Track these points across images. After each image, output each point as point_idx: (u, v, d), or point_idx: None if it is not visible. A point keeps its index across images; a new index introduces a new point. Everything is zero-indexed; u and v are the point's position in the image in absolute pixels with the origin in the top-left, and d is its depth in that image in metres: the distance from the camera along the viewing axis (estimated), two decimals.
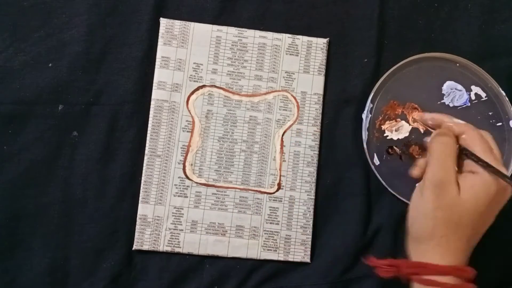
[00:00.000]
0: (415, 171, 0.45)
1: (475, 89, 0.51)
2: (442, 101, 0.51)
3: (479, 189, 0.38)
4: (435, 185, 0.38)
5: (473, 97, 0.51)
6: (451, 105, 0.51)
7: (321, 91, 0.50)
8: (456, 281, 0.37)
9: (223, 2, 0.50)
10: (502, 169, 0.39)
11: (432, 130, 0.46)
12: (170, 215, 0.48)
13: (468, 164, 0.40)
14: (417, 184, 0.43)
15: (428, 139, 0.44)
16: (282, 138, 0.50)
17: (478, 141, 0.40)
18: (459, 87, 0.51)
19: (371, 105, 0.50)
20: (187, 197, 0.48)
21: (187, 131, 0.49)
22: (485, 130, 0.42)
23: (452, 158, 0.39)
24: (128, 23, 0.49)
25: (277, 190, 0.49)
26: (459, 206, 0.38)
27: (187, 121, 0.49)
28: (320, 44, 0.51)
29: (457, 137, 0.41)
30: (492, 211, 0.40)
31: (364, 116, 0.49)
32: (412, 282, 0.39)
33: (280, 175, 0.49)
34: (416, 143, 0.50)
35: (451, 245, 0.38)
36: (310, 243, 0.49)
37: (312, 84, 0.50)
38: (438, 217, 0.38)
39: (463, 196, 0.38)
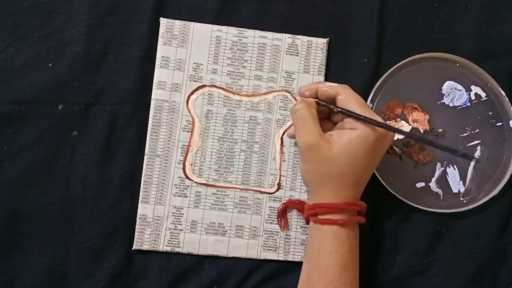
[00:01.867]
0: (290, 131, 0.47)
1: (475, 89, 0.51)
2: (442, 101, 0.51)
3: (356, 141, 0.41)
4: (305, 149, 0.42)
5: (473, 97, 0.51)
6: (451, 105, 0.51)
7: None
8: (348, 216, 0.42)
9: (223, 2, 0.50)
10: (378, 118, 0.42)
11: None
12: (170, 215, 0.48)
13: (348, 122, 0.43)
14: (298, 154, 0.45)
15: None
16: (282, 138, 0.50)
17: (353, 99, 0.43)
18: (459, 87, 0.51)
19: (371, 105, 0.50)
20: (187, 197, 0.48)
21: (187, 131, 0.49)
22: (344, 84, 0.45)
23: (312, 122, 0.42)
24: (128, 23, 0.49)
25: (277, 190, 0.49)
26: (335, 159, 0.41)
27: (187, 121, 0.49)
28: (320, 44, 0.51)
29: (334, 99, 0.44)
30: (376, 156, 0.43)
31: None
32: (312, 224, 0.43)
33: (280, 175, 0.49)
34: (416, 143, 0.50)
35: (339, 193, 0.42)
36: None
37: None
38: (319, 173, 0.42)
39: (337, 151, 0.41)
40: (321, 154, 0.41)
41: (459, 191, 0.50)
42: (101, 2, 0.49)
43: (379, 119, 0.42)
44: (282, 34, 0.50)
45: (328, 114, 0.46)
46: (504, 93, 0.50)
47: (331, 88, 0.44)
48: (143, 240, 0.48)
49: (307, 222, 0.45)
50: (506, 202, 0.51)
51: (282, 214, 0.48)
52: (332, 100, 0.44)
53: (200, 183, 0.49)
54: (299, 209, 0.48)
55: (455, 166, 0.50)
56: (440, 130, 0.51)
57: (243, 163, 0.49)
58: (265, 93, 0.50)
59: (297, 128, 0.43)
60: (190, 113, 0.49)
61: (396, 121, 0.50)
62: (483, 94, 0.51)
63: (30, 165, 0.47)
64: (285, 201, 0.49)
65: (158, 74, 0.49)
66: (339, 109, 0.43)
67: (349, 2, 0.52)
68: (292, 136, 0.47)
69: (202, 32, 0.50)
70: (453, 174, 0.50)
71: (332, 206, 0.42)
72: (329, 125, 0.46)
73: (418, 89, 0.51)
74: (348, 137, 0.42)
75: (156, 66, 0.49)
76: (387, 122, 0.50)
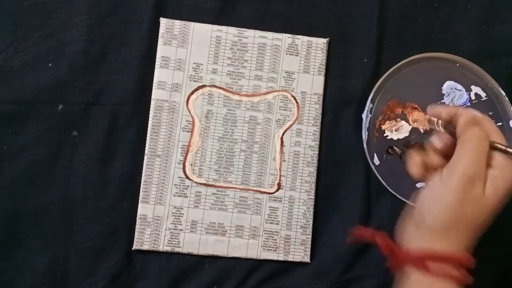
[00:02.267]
0: (416, 170, 0.40)
1: (475, 89, 0.51)
2: (442, 101, 0.51)
3: (499, 182, 0.36)
4: (466, 179, 0.35)
5: (473, 97, 0.51)
6: (451, 105, 0.51)
7: (321, 91, 0.50)
8: (464, 274, 0.35)
9: (223, 2, 0.50)
10: None
11: (437, 128, 0.41)
12: (170, 215, 0.48)
13: (499, 160, 0.37)
14: (439, 173, 0.37)
15: (433, 139, 0.40)
16: (282, 138, 0.50)
17: (495, 132, 0.37)
18: (459, 87, 0.51)
19: (371, 105, 0.50)
20: (187, 197, 0.48)
21: (187, 131, 0.49)
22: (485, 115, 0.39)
23: (485, 153, 0.36)
24: (128, 23, 0.49)
25: (277, 190, 0.49)
26: (481, 204, 0.35)
27: (187, 121, 0.49)
28: (320, 44, 0.51)
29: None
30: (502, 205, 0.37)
31: (364, 116, 0.49)
32: (414, 273, 0.35)
33: (280, 175, 0.49)
34: (416, 143, 0.50)
35: (460, 243, 0.36)
36: (310, 243, 0.49)
37: (312, 84, 0.50)
38: (460, 213, 0.35)
39: (488, 196, 0.35)
40: (475, 193, 0.35)
41: None
42: (101, 2, 0.49)
43: None
44: (282, 34, 0.50)
45: (449, 149, 0.39)
46: (504, 93, 0.50)
47: (474, 118, 0.37)
48: (143, 240, 0.48)
49: (396, 271, 0.37)
50: (507, 202, 0.51)
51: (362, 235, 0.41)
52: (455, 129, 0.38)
53: (200, 183, 0.49)
54: (387, 251, 0.38)
55: None
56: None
57: (243, 163, 0.49)
58: (265, 93, 0.50)
59: (464, 150, 0.36)
60: (190, 113, 0.49)
61: (396, 121, 0.50)
62: (483, 94, 0.51)
63: (30, 165, 0.47)
64: (371, 231, 0.40)
65: (158, 74, 0.49)
66: (497, 145, 0.36)
67: (349, 2, 0.52)
68: (419, 175, 0.39)
69: (202, 32, 0.50)
70: None
71: (455, 258, 0.35)
72: (439, 161, 0.39)
73: (418, 89, 0.51)
74: (498, 183, 0.35)
75: (156, 66, 0.49)
76: (387, 123, 0.50)
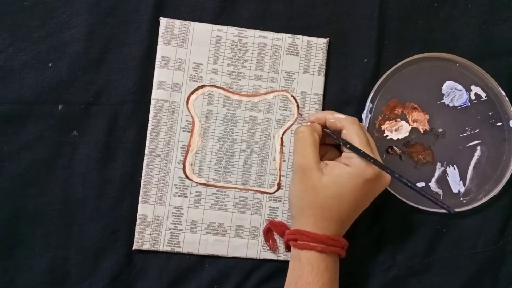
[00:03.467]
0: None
1: (475, 89, 0.51)
2: (442, 101, 0.51)
3: (344, 178, 0.42)
4: (297, 170, 0.43)
5: (473, 97, 0.51)
6: (451, 105, 0.51)
7: (321, 91, 0.50)
8: (327, 246, 0.41)
9: (223, 1, 0.50)
10: (378, 158, 0.42)
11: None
12: (170, 215, 0.48)
13: (345, 156, 0.43)
14: (292, 173, 0.45)
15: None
16: (282, 138, 0.50)
17: (356, 135, 0.43)
18: (459, 87, 0.51)
19: (371, 105, 0.50)
20: (187, 197, 0.48)
21: (187, 131, 0.49)
22: (353, 117, 0.45)
23: (311, 148, 0.43)
24: (128, 23, 0.49)
25: (277, 190, 0.49)
26: (322, 190, 0.42)
27: (187, 121, 0.49)
28: (320, 44, 0.51)
29: (340, 132, 0.44)
30: (363, 199, 0.43)
31: (364, 116, 0.49)
32: (292, 248, 0.43)
33: (280, 175, 0.49)
34: (416, 143, 0.50)
35: (319, 224, 0.42)
36: None
37: (312, 84, 0.50)
38: (305, 199, 0.42)
39: (326, 182, 0.42)
40: (311, 180, 0.42)
41: (459, 191, 0.50)
42: (101, 2, 0.49)
43: (378, 159, 0.42)
44: (282, 34, 0.50)
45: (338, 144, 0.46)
46: (504, 93, 0.50)
47: (338, 120, 0.45)
48: (143, 240, 0.48)
49: (287, 248, 0.45)
50: (506, 202, 0.51)
51: (269, 235, 0.48)
52: (339, 132, 0.45)
53: (200, 183, 0.49)
54: (280, 233, 0.47)
55: (455, 166, 0.50)
56: (440, 130, 0.51)
57: (243, 163, 0.49)
58: (265, 93, 0.50)
59: (295, 149, 0.44)
60: (190, 113, 0.49)
61: (396, 121, 0.50)
62: (483, 94, 0.51)
63: (30, 165, 0.47)
64: (266, 222, 0.48)
65: (158, 74, 0.49)
66: (339, 140, 0.44)
67: (349, 2, 0.52)
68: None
69: (202, 32, 0.50)
70: (453, 174, 0.50)
71: (312, 235, 0.41)
72: (336, 154, 0.46)
73: (418, 89, 0.51)
74: (339, 171, 0.42)
75: (156, 66, 0.49)
76: (387, 123, 0.50)
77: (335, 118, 0.45)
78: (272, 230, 0.48)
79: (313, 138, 0.44)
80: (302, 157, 0.43)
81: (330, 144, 0.47)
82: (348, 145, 0.43)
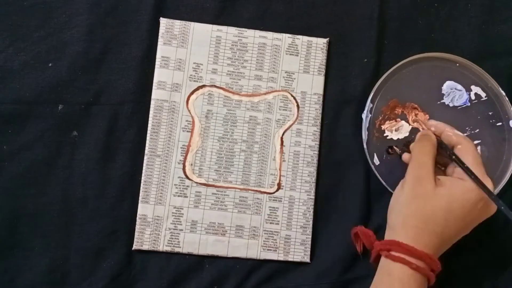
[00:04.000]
0: (406, 157, 0.47)
1: (475, 89, 0.51)
2: (442, 101, 0.51)
3: (458, 190, 0.40)
4: (413, 179, 0.42)
5: (473, 97, 0.51)
6: (451, 105, 0.51)
7: (321, 91, 0.50)
8: (424, 266, 0.39)
9: (223, 2, 0.50)
10: (487, 183, 0.40)
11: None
12: (170, 215, 0.48)
13: (458, 172, 0.42)
14: (401, 181, 0.44)
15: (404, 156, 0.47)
16: (282, 138, 0.50)
17: (471, 153, 0.42)
18: (459, 87, 0.51)
19: (371, 105, 0.50)
20: (187, 197, 0.48)
21: (187, 131, 0.49)
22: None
23: (430, 157, 0.42)
24: (128, 23, 0.49)
25: (277, 190, 0.49)
26: (433, 199, 0.40)
27: (187, 121, 0.49)
28: (320, 44, 0.51)
29: (453, 147, 0.44)
30: (469, 220, 0.41)
31: (364, 116, 0.49)
32: (382, 259, 0.41)
33: (280, 175, 0.49)
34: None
35: (420, 239, 0.39)
36: (310, 243, 0.49)
37: (312, 84, 0.50)
38: (412, 208, 0.40)
39: (439, 191, 0.40)
40: (423, 188, 0.40)
41: None
42: (101, 2, 0.49)
43: (488, 184, 0.41)
44: (282, 34, 0.50)
45: (443, 163, 0.45)
46: (504, 93, 0.50)
47: (456, 135, 0.44)
48: (143, 240, 0.48)
49: (375, 260, 0.42)
50: (506, 202, 0.51)
51: (356, 238, 0.47)
52: (451, 148, 0.44)
53: (200, 183, 0.49)
54: (367, 242, 0.45)
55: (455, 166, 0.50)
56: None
57: (243, 163, 0.49)
58: (265, 93, 0.50)
59: (415, 156, 0.43)
60: (190, 113, 0.49)
61: (396, 121, 0.50)
62: (483, 94, 0.51)
63: (30, 165, 0.47)
64: (355, 227, 0.47)
65: (158, 74, 0.49)
66: (454, 157, 0.43)
67: (349, 2, 0.52)
68: (406, 160, 0.45)
69: (202, 32, 0.50)
70: None
71: (410, 249, 0.39)
72: (438, 172, 0.44)
73: (418, 89, 0.51)
74: (451, 182, 0.41)
75: (156, 66, 0.49)
76: (387, 123, 0.50)
77: (453, 133, 0.44)
78: (359, 236, 0.46)
79: (434, 149, 0.43)
80: (421, 165, 0.42)
81: (437, 162, 0.45)
82: (460, 163, 0.41)
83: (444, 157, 0.44)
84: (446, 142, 0.44)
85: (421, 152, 0.43)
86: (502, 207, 0.39)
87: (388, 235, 0.42)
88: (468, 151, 0.43)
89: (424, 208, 0.40)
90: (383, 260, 0.41)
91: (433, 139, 0.44)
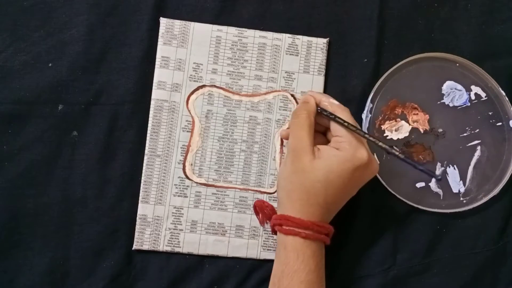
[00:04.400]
0: (284, 132, 0.48)
1: (475, 89, 0.51)
2: (442, 101, 0.51)
3: (334, 162, 0.41)
4: (290, 152, 0.43)
5: (473, 97, 0.51)
6: (451, 105, 0.51)
7: (321, 91, 0.50)
8: (313, 233, 0.41)
9: (223, 1, 0.50)
10: (363, 147, 0.42)
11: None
12: (170, 215, 0.48)
13: (335, 141, 0.43)
14: (284, 157, 0.45)
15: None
16: (282, 138, 0.50)
17: (347, 117, 0.43)
18: (459, 87, 0.51)
19: (371, 105, 0.50)
20: (187, 197, 0.48)
21: (187, 131, 0.49)
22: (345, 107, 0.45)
23: (305, 130, 0.43)
24: (128, 23, 0.49)
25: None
26: (311, 173, 0.41)
27: (187, 121, 0.49)
28: (320, 44, 0.51)
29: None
30: (350, 187, 0.43)
31: (364, 116, 0.50)
32: (278, 233, 0.43)
33: None
34: (416, 143, 0.50)
35: (305, 210, 0.41)
36: None
37: (312, 84, 0.50)
38: (293, 181, 0.42)
39: (316, 165, 0.41)
40: (302, 162, 0.42)
41: (459, 191, 0.50)
42: (101, 2, 0.49)
43: (364, 147, 0.42)
44: (282, 34, 0.50)
45: (324, 130, 0.47)
46: (504, 93, 0.50)
47: (331, 105, 0.45)
48: (143, 240, 0.48)
49: (273, 232, 0.45)
50: (506, 202, 0.51)
51: (257, 211, 0.48)
52: (311, 113, 0.45)
53: (200, 183, 0.49)
54: (267, 217, 0.47)
55: (455, 166, 0.50)
56: (440, 130, 0.51)
57: (243, 163, 0.49)
58: (265, 93, 0.50)
59: (291, 131, 0.44)
60: (190, 113, 0.49)
61: (396, 121, 0.50)
62: (483, 94, 0.51)
63: (30, 165, 0.47)
64: (255, 200, 0.48)
65: (158, 74, 0.49)
66: (332, 116, 0.44)
67: (349, 2, 0.52)
68: (285, 137, 0.47)
69: (202, 32, 0.50)
70: (453, 174, 0.50)
71: (298, 221, 0.41)
72: (323, 141, 0.46)
73: (418, 89, 0.51)
74: (328, 153, 0.42)
75: (156, 66, 0.49)
76: (387, 123, 0.50)
77: (329, 103, 0.45)
78: (258, 211, 0.48)
79: (310, 121, 0.43)
80: (297, 139, 0.43)
81: (318, 131, 0.46)
82: (341, 121, 0.43)
83: (325, 120, 0.45)
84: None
85: (297, 126, 0.43)
86: (380, 143, 0.42)
87: (279, 210, 0.44)
88: (343, 116, 0.43)
89: (304, 182, 0.41)
90: (278, 235, 0.43)
91: (309, 108, 0.44)
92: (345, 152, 0.42)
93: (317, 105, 0.45)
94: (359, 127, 0.44)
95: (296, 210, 0.42)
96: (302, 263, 0.40)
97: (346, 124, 0.43)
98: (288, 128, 0.48)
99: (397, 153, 0.42)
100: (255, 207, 0.48)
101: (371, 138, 0.43)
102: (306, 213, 0.41)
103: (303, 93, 0.50)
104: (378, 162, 0.43)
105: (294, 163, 0.42)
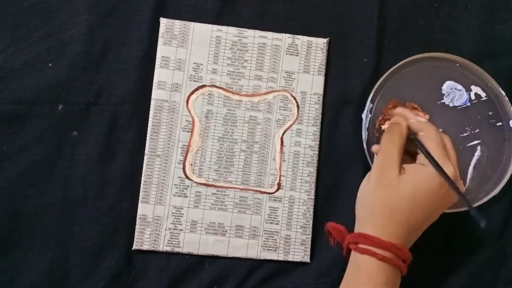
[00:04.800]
0: (375, 148, 0.46)
1: (475, 89, 0.51)
2: (442, 101, 0.51)
3: (420, 177, 0.40)
4: (378, 169, 0.42)
5: (473, 97, 0.51)
6: (451, 105, 0.51)
7: (321, 91, 0.50)
8: (391, 256, 0.39)
9: (223, 1, 0.50)
10: (448, 168, 0.40)
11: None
12: (170, 215, 0.48)
13: (421, 158, 0.42)
14: (368, 173, 0.44)
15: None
16: (282, 138, 0.50)
17: (433, 139, 0.42)
18: (459, 87, 0.51)
19: (371, 105, 0.50)
20: (187, 197, 0.48)
21: (187, 131, 0.49)
22: (447, 135, 0.45)
23: (396, 147, 0.42)
24: (128, 23, 0.49)
25: (277, 190, 0.49)
26: (396, 188, 0.40)
27: (187, 121, 0.49)
28: (320, 44, 0.51)
29: (416, 134, 0.43)
30: (435, 207, 0.41)
31: (364, 116, 0.49)
32: (352, 253, 0.41)
33: (280, 175, 0.49)
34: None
35: (386, 229, 0.39)
36: (310, 243, 0.49)
37: (312, 84, 0.50)
38: (377, 197, 0.40)
39: (402, 180, 0.40)
40: (387, 178, 0.40)
41: None
42: (101, 2, 0.49)
43: (449, 169, 0.40)
44: (282, 34, 0.50)
45: (413, 153, 0.45)
46: (504, 93, 0.50)
47: (419, 123, 0.44)
48: (143, 240, 0.48)
49: (347, 253, 0.42)
50: (506, 202, 0.51)
51: (329, 233, 0.45)
52: (415, 134, 0.44)
53: (200, 183, 0.49)
54: (339, 238, 0.44)
55: None
56: (440, 130, 0.51)
57: (243, 163, 0.49)
58: (265, 93, 0.50)
59: (382, 148, 0.43)
60: (190, 113, 0.49)
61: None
62: (483, 94, 0.51)
63: (30, 165, 0.47)
64: (327, 223, 0.45)
65: (158, 74, 0.49)
66: (416, 142, 0.43)
67: (349, 2, 0.52)
68: (376, 152, 0.45)
69: (202, 32, 0.50)
70: None
71: (376, 240, 0.39)
72: (410, 162, 0.44)
73: (418, 89, 0.51)
74: (415, 169, 0.41)
75: (156, 66, 0.49)
76: (387, 123, 0.50)
77: (416, 120, 0.44)
78: (331, 233, 0.45)
79: (402, 140, 0.42)
80: (387, 155, 0.42)
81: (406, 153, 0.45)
82: (421, 147, 0.42)
83: (411, 145, 0.44)
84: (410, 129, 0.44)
85: (388, 142, 0.43)
86: (452, 185, 0.40)
87: (357, 227, 0.42)
88: (430, 136, 0.42)
89: (389, 197, 0.40)
90: (352, 254, 0.41)
91: (401, 129, 0.43)
92: (430, 167, 0.40)
93: (409, 130, 0.44)
94: (444, 145, 0.42)
95: (377, 228, 0.39)
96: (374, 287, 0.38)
97: (425, 151, 0.41)
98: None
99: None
100: (327, 228, 0.45)
101: (436, 166, 0.40)
102: (387, 232, 0.39)
103: (303, 93, 0.50)
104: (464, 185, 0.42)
105: (379, 177, 0.41)
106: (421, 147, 0.42)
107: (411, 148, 0.44)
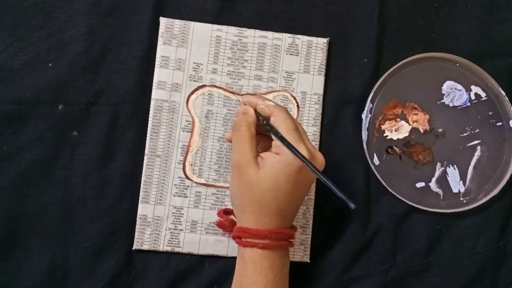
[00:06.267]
0: (227, 135, 0.46)
1: (475, 89, 0.51)
2: (442, 101, 0.51)
3: (278, 168, 0.40)
4: (235, 167, 0.42)
5: (473, 97, 0.51)
6: (451, 105, 0.51)
7: (321, 91, 0.50)
8: (271, 242, 0.40)
9: (223, 1, 0.50)
10: (301, 149, 0.40)
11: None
12: (170, 215, 0.48)
13: (275, 145, 0.41)
14: (230, 173, 0.44)
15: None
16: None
17: (283, 123, 0.41)
18: (459, 87, 0.51)
19: (371, 105, 0.50)
20: (187, 197, 0.48)
21: (187, 131, 0.49)
22: (283, 106, 0.44)
23: (247, 142, 0.41)
24: (128, 23, 0.49)
25: None
26: (258, 184, 0.40)
27: (187, 121, 0.49)
28: (320, 44, 0.51)
29: (268, 118, 0.42)
30: (300, 187, 0.42)
31: (364, 116, 0.50)
32: (237, 247, 0.42)
33: None
34: (416, 143, 0.50)
35: (261, 220, 0.41)
36: (309, 243, 0.49)
37: (312, 84, 0.50)
38: (244, 196, 0.41)
39: (262, 175, 0.40)
40: (248, 176, 0.40)
41: (459, 191, 0.50)
42: (101, 2, 0.49)
43: (303, 148, 0.40)
44: (282, 34, 0.50)
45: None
46: (504, 93, 0.50)
47: (268, 107, 0.43)
48: (143, 240, 0.48)
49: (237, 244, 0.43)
50: (506, 202, 0.51)
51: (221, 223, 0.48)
52: (268, 119, 0.43)
53: (200, 183, 0.49)
54: (230, 230, 0.47)
55: (455, 166, 0.50)
56: (440, 130, 0.51)
57: None
58: (265, 93, 0.50)
59: (234, 145, 0.43)
60: (190, 113, 0.49)
61: (396, 121, 0.50)
62: (483, 94, 0.51)
63: (30, 165, 0.47)
64: (218, 210, 0.48)
65: (158, 74, 0.49)
66: (268, 128, 0.42)
67: (349, 2, 0.52)
68: (229, 140, 0.45)
69: (202, 32, 0.50)
70: (453, 174, 0.50)
71: (255, 232, 0.40)
72: (268, 143, 0.43)
73: (418, 89, 0.51)
74: (271, 161, 0.40)
75: (156, 66, 0.49)
76: (387, 123, 0.50)
77: (265, 105, 0.43)
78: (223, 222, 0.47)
79: (250, 133, 0.42)
80: (239, 153, 0.41)
81: (262, 132, 0.45)
82: (275, 133, 0.41)
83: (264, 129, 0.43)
84: (262, 115, 0.43)
85: (237, 139, 0.42)
86: (311, 166, 0.39)
87: (238, 223, 0.43)
88: (280, 120, 0.41)
89: (254, 196, 0.41)
90: (238, 248, 0.42)
91: (247, 118, 0.43)
92: (285, 155, 0.40)
93: (256, 112, 0.43)
94: (296, 127, 0.42)
95: (252, 222, 0.41)
96: (259, 275, 0.40)
97: (279, 136, 0.41)
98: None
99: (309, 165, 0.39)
100: (220, 221, 0.48)
101: (292, 149, 0.40)
102: (262, 223, 0.41)
103: (303, 93, 0.50)
104: (322, 155, 0.42)
105: (240, 178, 0.41)
106: (274, 132, 0.41)
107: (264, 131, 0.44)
